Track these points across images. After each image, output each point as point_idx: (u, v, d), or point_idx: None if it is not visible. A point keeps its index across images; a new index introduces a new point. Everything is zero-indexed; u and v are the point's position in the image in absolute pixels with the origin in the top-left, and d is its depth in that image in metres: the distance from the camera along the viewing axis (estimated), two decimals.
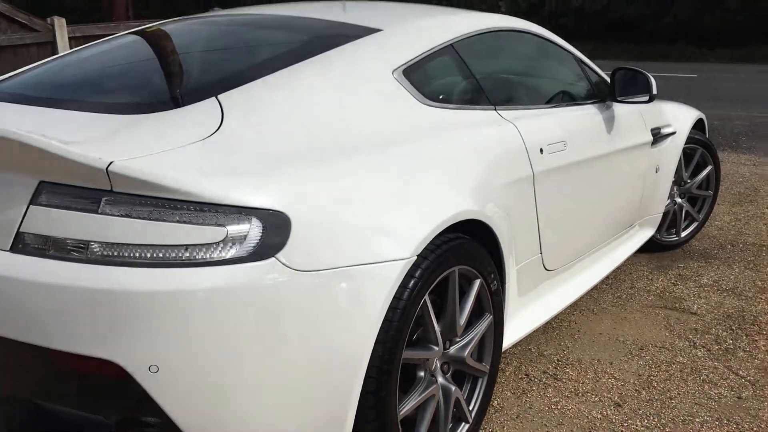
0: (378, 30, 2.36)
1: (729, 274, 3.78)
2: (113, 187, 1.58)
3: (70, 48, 6.32)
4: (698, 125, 4.15)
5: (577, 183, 2.84)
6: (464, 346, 2.15)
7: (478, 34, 2.65)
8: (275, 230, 1.63)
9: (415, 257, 1.85)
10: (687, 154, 4.07)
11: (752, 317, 3.26)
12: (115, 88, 2.21)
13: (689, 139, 3.97)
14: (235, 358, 1.60)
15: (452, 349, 2.13)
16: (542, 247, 2.67)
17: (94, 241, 1.58)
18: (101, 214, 1.58)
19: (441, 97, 2.36)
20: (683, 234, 4.19)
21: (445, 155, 2.16)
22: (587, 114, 3.03)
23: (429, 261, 1.90)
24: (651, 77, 3.10)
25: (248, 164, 1.72)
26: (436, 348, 2.03)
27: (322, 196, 1.75)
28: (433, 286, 1.94)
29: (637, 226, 3.66)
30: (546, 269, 2.75)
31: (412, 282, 1.85)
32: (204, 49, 2.48)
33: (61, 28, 6.18)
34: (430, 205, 1.97)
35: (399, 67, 2.26)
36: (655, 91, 3.11)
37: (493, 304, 2.25)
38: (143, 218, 1.58)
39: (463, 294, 2.14)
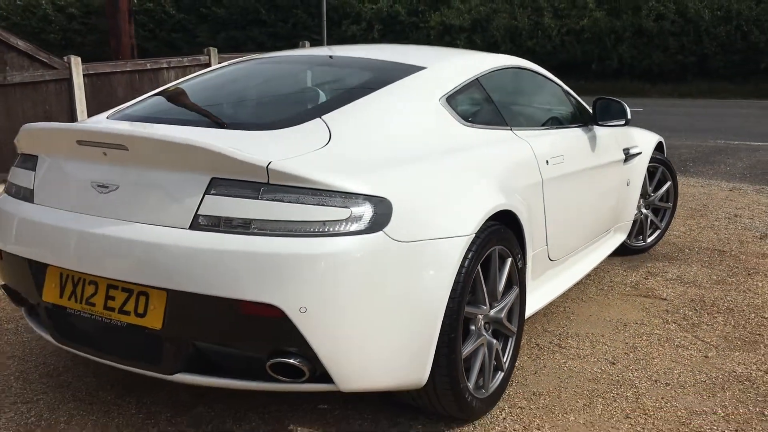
0: (424, 68, 3.02)
1: (689, 271, 4.50)
2: (269, 180, 2.17)
3: (84, 84, 6.84)
4: (658, 147, 4.91)
5: (572, 189, 3.51)
6: (500, 309, 2.78)
7: (496, 70, 3.33)
8: (382, 212, 2.24)
9: (473, 235, 2.48)
10: (650, 172, 4.81)
11: (711, 301, 3.97)
12: (242, 111, 2.81)
13: (652, 159, 4.72)
14: (355, 302, 2.20)
15: (492, 312, 2.75)
16: (548, 240, 3.32)
17: (255, 219, 2.17)
18: (260, 199, 2.18)
19: (470, 119, 3.01)
20: (649, 240, 4.91)
21: (483, 162, 2.81)
22: (577, 135, 3.73)
23: (481, 239, 2.53)
24: (625, 105, 3.83)
25: (358, 165, 2.34)
26: (485, 307, 2.66)
27: (411, 188, 2.37)
28: (482, 259, 2.57)
29: (613, 231, 4.35)
30: (550, 259, 3.40)
31: (470, 254, 2.48)
32: (300, 81, 3.10)
33: (77, 66, 6.70)
34: (479, 198, 2.61)
35: (443, 95, 2.91)
36: (629, 116, 3.83)
37: (519, 279, 2.89)
38: (291, 202, 2.17)
39: (500, 269, 2.78)
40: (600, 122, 3.88)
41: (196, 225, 2.21)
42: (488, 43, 18.19)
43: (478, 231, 2.53)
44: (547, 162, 3.25)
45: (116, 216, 2.32)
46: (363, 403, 2.80)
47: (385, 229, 2.24)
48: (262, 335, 2.20)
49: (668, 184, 4.95)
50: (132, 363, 2.38)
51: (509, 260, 2.80)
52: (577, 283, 4.15)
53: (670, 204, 5.00)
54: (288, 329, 2.15)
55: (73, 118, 6.77)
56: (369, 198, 2.24)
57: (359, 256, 2.19)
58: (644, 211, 4.86)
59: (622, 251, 4.70)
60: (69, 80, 6.72)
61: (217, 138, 2.39)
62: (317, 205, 2.18)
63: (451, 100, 2.95)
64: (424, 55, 3.34)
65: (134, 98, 3.13)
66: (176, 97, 3.02)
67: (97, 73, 7.03)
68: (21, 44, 6.38)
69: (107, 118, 2.83)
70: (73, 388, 2.96)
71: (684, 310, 3.84)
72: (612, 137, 4.13)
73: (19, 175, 2.66)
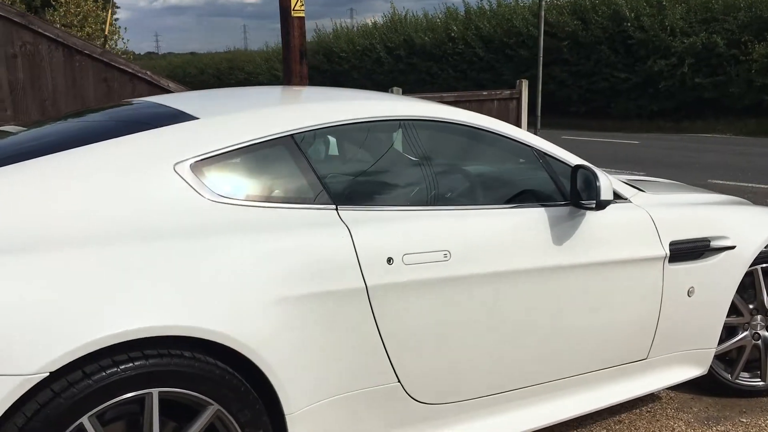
0: (194, 119, 2.21)
1: None
2: None
3: None
4: None
5: (473, 301, 2.33)
6: None
7: (345, 125, 2.34)
8: None
9: (45, 374, 1.64)
10: None
11: None
12: None
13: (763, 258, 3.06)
14: None
15: None
16: (398, 374, 2.22)
17: None
18: None
19: (235, 192, 2.09)
20: None
21: (188, 257, 1.89)
22: (523, 218, 2.47)
23: (87, 381, 1.68)
24: (601, 179, 2.44)
25: None
26: None
27: None
28: (100, 409, 1.72)
29: (650, 363, 2.85)
30: (416, 400, 2.28)
31: (32, 404, 1.65)
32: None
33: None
34: (111, 313, 1.73)
35: (186, 159, 2.07)
36: (603, 197, 2.43)
37: None
38: None
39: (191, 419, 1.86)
40: (580, 201, 2.54)
41: None
42: None
43: (71, 366, 1.67)
44: (389, 260, 2.16)
45: None
46: None
47: None
48: None
49: None
50: None
51: (211, 409, 1.87)
52: None
53: None
54: None
55: None
56: None
57: None
58: (764, 333, 3.17)
59: (721, 391, 3.15)
60: None
61: None
62: None
63: (207, 165, 2.09)
64: (222, 102, 2.49)
65: None
66: None
67: None
68: (172, 86, 6.66)
69: None
70: None
71: None
72: (641, 223, 2.73)
73: None
